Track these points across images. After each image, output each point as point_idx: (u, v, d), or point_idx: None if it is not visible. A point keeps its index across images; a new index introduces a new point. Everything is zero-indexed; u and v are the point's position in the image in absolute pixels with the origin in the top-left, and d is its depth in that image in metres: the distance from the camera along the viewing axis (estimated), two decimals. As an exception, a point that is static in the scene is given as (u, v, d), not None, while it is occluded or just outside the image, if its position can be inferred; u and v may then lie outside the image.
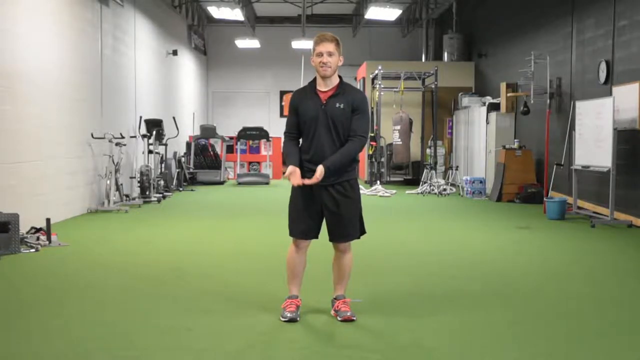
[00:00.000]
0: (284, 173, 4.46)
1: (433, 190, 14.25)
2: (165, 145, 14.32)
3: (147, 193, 12.02)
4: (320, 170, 4.31)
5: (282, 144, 4.62)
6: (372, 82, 16.57)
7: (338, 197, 4.46)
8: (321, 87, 4.48)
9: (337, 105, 4.43)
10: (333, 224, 4.49)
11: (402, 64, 17.79)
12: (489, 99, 14.97)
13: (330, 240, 4.55)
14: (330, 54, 4.40)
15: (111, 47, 11.91)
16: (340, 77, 4.52)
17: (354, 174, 4.57)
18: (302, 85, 4.73)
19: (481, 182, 13.67)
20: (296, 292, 4.58)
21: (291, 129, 4.55)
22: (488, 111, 14.30)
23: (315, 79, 4.53)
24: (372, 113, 16.37)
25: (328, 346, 4.01)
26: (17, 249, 6.87)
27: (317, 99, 4.46)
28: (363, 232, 4.62)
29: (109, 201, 10.73)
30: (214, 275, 5.94)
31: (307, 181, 4.34)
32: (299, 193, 4.49)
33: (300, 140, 4.55)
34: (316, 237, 4.55)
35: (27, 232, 7.54)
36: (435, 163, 15.14)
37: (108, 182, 10.71)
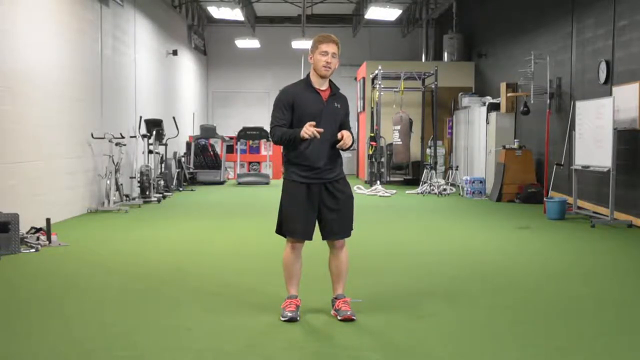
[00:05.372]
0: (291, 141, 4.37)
1: (433, 190, 14.25)
2: (165, 145, 14.32)
3: (147, 193, 12.03)
4: (348, 134, 4.33)
5: (271, 136, 4.53)
6: (372, 82, 16.56)
7: (337, 194, 4.48)
8: (317, 85, 4.47)
9: (335, 105, 4.48)
10: (332, 222, 4.48)
11: (402, 64, 17.78)
12: (489, 99, 14.96)
13: (328, 238, 4.53)
14: (334, 56, 4.42)
15: (111, 47, 11.91)
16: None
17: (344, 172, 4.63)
18: None
19: (481, 182, 13.67)
20: (295, 292, 4.58)
21: (280, 123, 4.39)
22: (488, 111, 14.30)
23: (308, 77, 4.49)
24: (372, 113, 16.38)
25: (328, 346, 4.01)
26: (17, 249, 6.87)
27: (318, 96, 4.45)
28: (352, 228, 4.64)
29: (109, 201, 10.73)
30: (214, 275, 5.95)
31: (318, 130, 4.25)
32: (296, 193, 4.46)
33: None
34: (311, 238, 4.54)
35: (27, 232, 7.54)
36: (435, 163, 15.14)
37: (108, 182, 10.71)
